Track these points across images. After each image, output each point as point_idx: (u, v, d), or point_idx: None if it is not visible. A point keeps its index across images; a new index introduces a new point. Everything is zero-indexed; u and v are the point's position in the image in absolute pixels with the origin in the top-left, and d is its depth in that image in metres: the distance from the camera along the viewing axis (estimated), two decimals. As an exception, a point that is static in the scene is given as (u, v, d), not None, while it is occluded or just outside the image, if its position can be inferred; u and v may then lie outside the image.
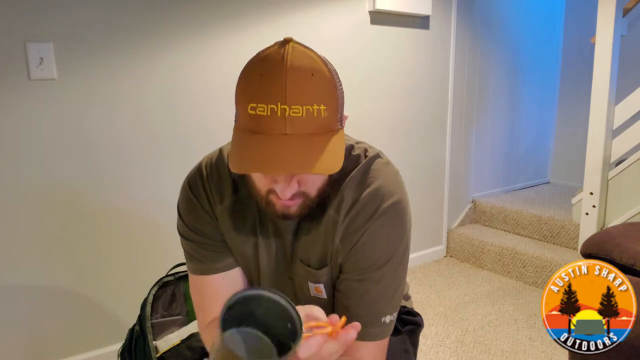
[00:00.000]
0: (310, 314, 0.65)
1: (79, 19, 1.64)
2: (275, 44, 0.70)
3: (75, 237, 1.74)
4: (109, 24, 1.69)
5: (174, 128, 1.88)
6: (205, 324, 0.89)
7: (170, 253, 1.46)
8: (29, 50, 1.56)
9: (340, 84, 0.73)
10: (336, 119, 0.71)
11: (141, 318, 1.30)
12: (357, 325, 0.65)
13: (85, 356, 1.80)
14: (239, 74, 0.71)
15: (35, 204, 1.65)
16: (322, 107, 0.67)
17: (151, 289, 1.32)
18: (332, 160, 0.68)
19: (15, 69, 1.56)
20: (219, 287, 0.88)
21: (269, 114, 0.65)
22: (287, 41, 0.69)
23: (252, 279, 0.91)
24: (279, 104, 0.65)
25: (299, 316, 0.60)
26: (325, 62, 0.71)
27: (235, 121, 0.73)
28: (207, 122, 1.93)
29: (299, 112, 0.65)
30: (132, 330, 1.33)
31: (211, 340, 0.86)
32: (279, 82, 0.65)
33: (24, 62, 1.56)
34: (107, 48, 1.70)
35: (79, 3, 1.63)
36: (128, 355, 1.31)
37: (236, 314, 0.59)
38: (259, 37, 1.99)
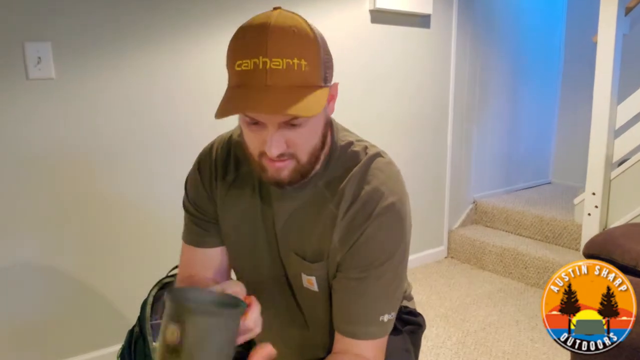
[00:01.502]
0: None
1: (77, 18, 1.64)
2: (266, 12, 0.74)
3: (74, 237, 1.74)
4: (107, 23, 1.69)
5: (173, 127, 1.88)
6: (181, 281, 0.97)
7: (170, 254, 1.45)
8: (27, 49, 1.56)
9: (325, 46, 0.76)
10: (319, 76, 0.73)
11: (141, 319, 1.29)
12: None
13: (85, 356, 1.79)
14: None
15: (32, 203, 1.65)
16: (303, 61, 0.70)
17: (151, 290, 1.32)
18: (310, 107, 0.70)
19: (14, 68, 1.56)
20: (203, 260, 0.95)
21: (252, 68, 0.68)
22: (275, 8, 0.74)
23: (247, 259, 0.93)
24: (260, 57, 0.68)
25: (226, 295, 0.69)
26: (309, 24, 0.74)
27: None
28: (208, 120, 1.92)
29: (279, 65, 0.68)
30: (131, 331, 1.32)
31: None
32: (261, 37, 0.69)
33: (22, 61, 1.56)
34: (105, 47, 1.70)
35: (77, 3, 1.63)
36: (128, 357, 1.31)
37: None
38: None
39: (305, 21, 0.74)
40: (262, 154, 0.76)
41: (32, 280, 1.68)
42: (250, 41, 0.70)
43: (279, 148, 0.73)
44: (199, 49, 1.90)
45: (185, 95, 1.90)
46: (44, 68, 1.59)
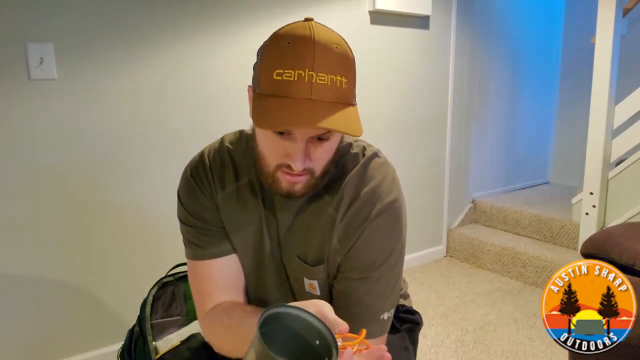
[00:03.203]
0: (321, 312, 0.64)
1: (79, 19, 1.64)
2: (298, 21, 0.75)
3: (75, 237, 1.74)
4: (109, 24, 1.70)
5: (175, 128, 1.88)
6: (205, 312, 0.89)
7: (170, 253, 1.46)
8: (29, 50, 1.56)
9: (355, 63, 0.77)
10: (353, 94, 0.76)
11: (141, 319, 1.29)
12: (384, 347, 0.67)
13: (85, 356, 1.80)
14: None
15: (34, 203, 1.65)
16: (344, 79, 0.72)
17: (151, 290, 1.31)
18: (356, 126, 0.72)
19: (16, 69, 1.56)
20: (218, 272, 0.89)
21: (295, 79, 0.69)
22: (309, 19, 0.75)
23: (252, 267, 0.91)
24: (306, 70, 0.69)
25: (330, 332, 0.60)
26: (345, 41, 0.76)
27: (254, 90, 0.76)
28: (208, 121, 1.93)
29: (324, 80, 0.69)
30: (131, 330, 1.33)
31: (211, 329, 0.87)
32: (308, 50, 0.70)
33: (24, 62, 1.56)
34: (107, 48, 1.70)
35: (79, 3, 1.63)
36: (128, 356, 1.31)
37: (270, 330, 0.59)
38: (258, 38, 1.98)
39: (342, 37, 0.75)
40: (280, 165, 0.75)
41: (32, 280, 1.68)
42: (294, 52, 0.70)
43: (305, 162, 0.73)
44: (206, 49, 1.90)
45: (191, 96, 1.90)
46: (46, 69, 1.59)
